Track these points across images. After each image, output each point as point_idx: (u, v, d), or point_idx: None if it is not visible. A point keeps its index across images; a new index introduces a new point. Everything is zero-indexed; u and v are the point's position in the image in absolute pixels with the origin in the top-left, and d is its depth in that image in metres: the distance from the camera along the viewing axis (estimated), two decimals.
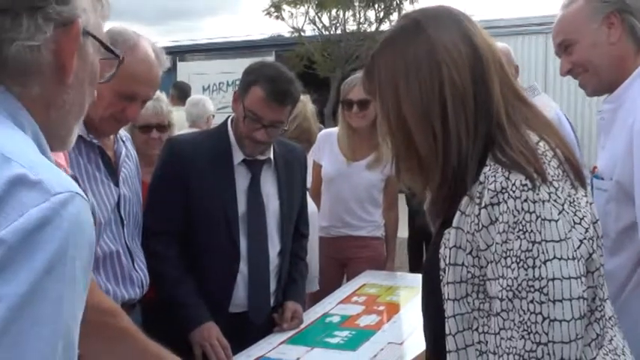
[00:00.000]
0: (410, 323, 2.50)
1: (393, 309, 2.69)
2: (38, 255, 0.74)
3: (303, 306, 2.55)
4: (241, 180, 2.33)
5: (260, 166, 2.37)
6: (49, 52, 0.88)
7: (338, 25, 14.87)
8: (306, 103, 3.14)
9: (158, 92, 3.32)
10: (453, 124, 1.29)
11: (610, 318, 1.36)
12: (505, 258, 1.22)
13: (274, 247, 2.41)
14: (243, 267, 2.31)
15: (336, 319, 2.58)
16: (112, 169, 2.02)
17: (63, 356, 0.76)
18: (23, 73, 0.87)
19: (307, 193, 3.13)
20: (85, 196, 0.83)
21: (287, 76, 2.28)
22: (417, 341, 2.26)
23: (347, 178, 3.41)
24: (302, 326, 2.46)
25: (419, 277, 1.51)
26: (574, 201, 1.27)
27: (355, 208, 3.48)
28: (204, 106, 4.65)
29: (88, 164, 1.94)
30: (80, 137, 1.91)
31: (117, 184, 2.01)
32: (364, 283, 3.06)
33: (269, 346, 2.28)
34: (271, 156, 2.39)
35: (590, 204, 1.33)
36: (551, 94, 8.19)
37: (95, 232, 0.85)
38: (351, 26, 14.82)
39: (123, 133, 2.19)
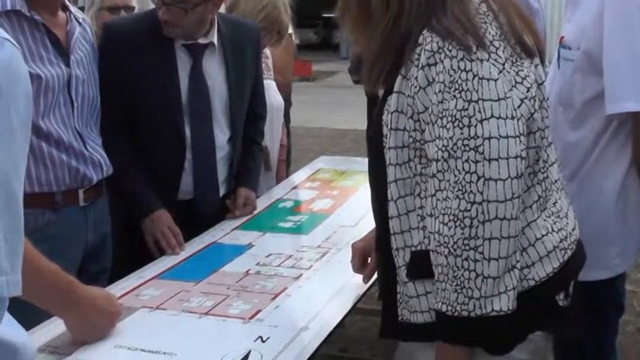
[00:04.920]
0: (363, 206, 2.50)
1: (347, 193, 2.69)
2: None
3: (256, 192, 2.52)
4: (183, 66, 2.24)
5: (202, 50, 2.27)
6: None
7: None
8: None
9: None
10: None
11: (555, 181, 1.36)
12: (441, 118, 1.20)
13: (224, 133, 2.35)
14: (189, 155, 2.26)
15: (289, 205, 2.58)
16: (62, 49, 1.91)
17: (5, 207, 0.71)
18: None
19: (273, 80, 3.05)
20: (16, 44, 0.75)
21: None
22: (369, 223, 2.27)
23: None
24: (255, 212, 2.45)
25: None
26: (516, 61, 1.25)
27: None
28: None
29: (33, 43, 1.84)
30: (21, 14, 1.81)
31: (67, 65, 1.91)
32: (319, 168, 3.05)
33: (222, 233, 2.27)
34: (214, 39, 2.28)
35: (536, 66, 1.31)
36: None
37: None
38: None
39: (80, 15, 2.08)
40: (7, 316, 0.81)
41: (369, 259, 1.77)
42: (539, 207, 1.30)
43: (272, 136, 2.92)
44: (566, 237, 1.34)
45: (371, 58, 1.34)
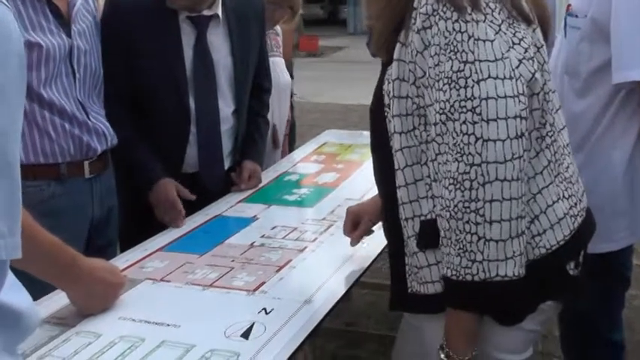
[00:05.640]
0: (369, 180, 2.47)
1: (353, 167, 2.68)
2: None
3: (261, 165, 2.51)
4: (187, 38, 2.22)
5: (206, 23, 2.24)
6: None
7: None
8: None
9: None
10: None
11: (567, 145, 1.35)
12: (437, 81, 1.19)
13: (228, 106, 2.33)
14: (193, 128, 2.25)
15: (294, 178, 2.57)
16: (63, 20, 1.90)
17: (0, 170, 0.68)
18: None
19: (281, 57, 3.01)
20: (6, 2, 0.72)
21: None
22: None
23: None
24: (260, 185, 2.44)
25: None
26: (513, 22, 1.23)
27: None
28: None
29: (33, 13, 1.82)
30: None
31: (69, 35, 1.89)
32: (325, 142, 3.04)
33: (226, 205, 2.27)
34: (219, 11, 2.25)
35: (534, 29, 1.29)
36: None
37: None
38: None
39: None
40: (12, 280, 0.80)
41: (361, 224, 1.78)
42: (550, 172, 1.28)
43: (280, 113, 2.90)
44: (576, 203, 1.33)
45: (380, 28, 1.33)
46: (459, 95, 1.16)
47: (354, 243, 1.80)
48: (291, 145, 3.63)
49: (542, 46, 1.30)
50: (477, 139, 1.15)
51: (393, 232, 1.38)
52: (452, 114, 1.17)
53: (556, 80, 1.81)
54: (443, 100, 1.18)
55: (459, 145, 1.16)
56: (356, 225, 1.79)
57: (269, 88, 2.61)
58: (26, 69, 0.76)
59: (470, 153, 1.15)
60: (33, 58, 1.77)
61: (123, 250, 2.00)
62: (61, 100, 1.87)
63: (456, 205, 1.17)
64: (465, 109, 1.16)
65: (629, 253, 2.01)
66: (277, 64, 2.91)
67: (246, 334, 1.43)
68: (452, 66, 1.17)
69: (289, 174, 2.61)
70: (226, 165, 2.37)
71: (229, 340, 1.41)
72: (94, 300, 1.52)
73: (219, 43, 2.28)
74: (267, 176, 2.55)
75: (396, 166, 1.30)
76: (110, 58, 2.10)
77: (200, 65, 2.23)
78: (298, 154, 2.91)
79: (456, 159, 1.17)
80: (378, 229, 1.75)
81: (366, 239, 1.82)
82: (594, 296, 1.83)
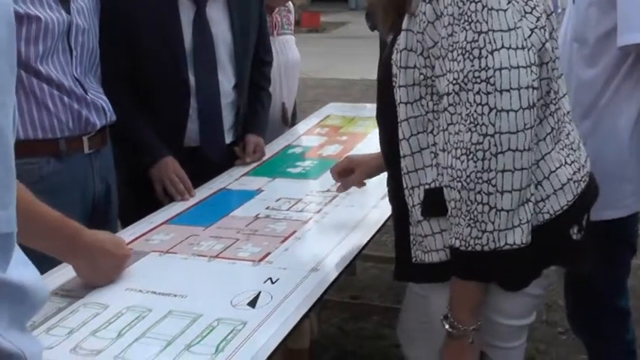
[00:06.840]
0: (372, 150, 2.48)
1: (356, 139, 2.68)
2: None
3: (264, 138, 2.50)
4: (186, 13, 2.20)
5: None
6: None
7: None
8: None
9: None
10: None
11: (568, 113, 1.35)
12: (451, 52, 1.18)
13: (229, 80, 2.32)
14: (194, 102, 2.24)
15: (298, 150, 2.57)
16: None
17: None
18: None
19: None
20: None
21: None
22: None
23: None
24: (264, 159, 2.44)
25: None
26: None
27: None
28: None
29: None
30: None
31: (68, 12, 1.87)
32: (328, 114, 3.02)
33: (230, 179, 2.27)
34: None
35: None
36: None
37: None
38: None
39: None
40: (18, 256, 0.79)
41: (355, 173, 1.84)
42: (552, 139, 1.29)
43: (289, 90, 2.89)
44: (579, 169, 1.33)
45: (385, 2, 1.32)
46: (472, 65, 1.16)
47: (340, 189, 1.89)
48: (293, 120, 3.62)
49: (551, 13, 1.29)
50: (491, 109, 1.15)
51: (398, 202, 1.38)
52: (465, 84, 1.16)
53: (565, 47, 1.80)
54: (457, 71, 1.17)
55: (472, 115, 1.16)
56: (345, 170, 1.85)
57: (270, 61, 2.60)
58: (17, 40, 0.73)
59: (483, 123, 1.15)
60: (31, 32, 1.75)
61: (124, 225, 2.00)
62: (58, 76, 1.85)
63: (468, 176, 1.17)
64: (479, 80, 1.15)
65: (635, 220, 2.01)
66: (288, 41, 2.89)
67: (252, 303, 1.43)
68: (466, 36, 1.16)
69: (293, 147, 2.61)
70: (228, 139, 2.36)
71: (236, 309, 1.41)
72: (99, 272, 1.52)
73: (218, 18, 2.26)
74: (271, 149, 2.54)
75: (401, 136, 1.30)
76: (109, 34, 2.07)
77: (200, 40, 2.22)
78: (302, 127, 2.91)
79: (469, 129, 1.16)
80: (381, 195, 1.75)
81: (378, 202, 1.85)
82: (600, 263, 1.83)
